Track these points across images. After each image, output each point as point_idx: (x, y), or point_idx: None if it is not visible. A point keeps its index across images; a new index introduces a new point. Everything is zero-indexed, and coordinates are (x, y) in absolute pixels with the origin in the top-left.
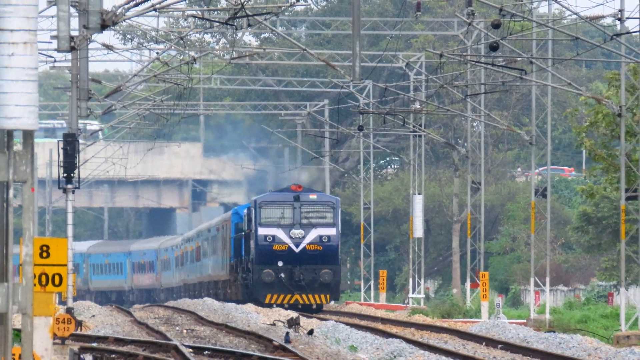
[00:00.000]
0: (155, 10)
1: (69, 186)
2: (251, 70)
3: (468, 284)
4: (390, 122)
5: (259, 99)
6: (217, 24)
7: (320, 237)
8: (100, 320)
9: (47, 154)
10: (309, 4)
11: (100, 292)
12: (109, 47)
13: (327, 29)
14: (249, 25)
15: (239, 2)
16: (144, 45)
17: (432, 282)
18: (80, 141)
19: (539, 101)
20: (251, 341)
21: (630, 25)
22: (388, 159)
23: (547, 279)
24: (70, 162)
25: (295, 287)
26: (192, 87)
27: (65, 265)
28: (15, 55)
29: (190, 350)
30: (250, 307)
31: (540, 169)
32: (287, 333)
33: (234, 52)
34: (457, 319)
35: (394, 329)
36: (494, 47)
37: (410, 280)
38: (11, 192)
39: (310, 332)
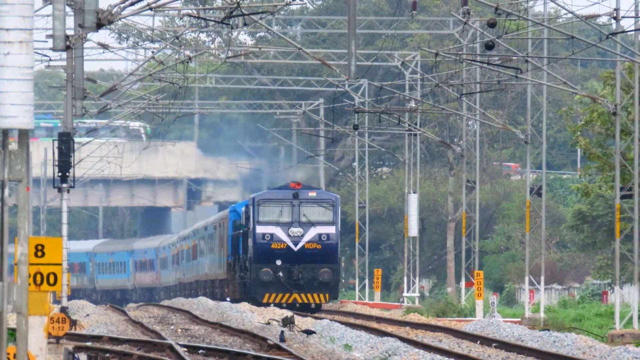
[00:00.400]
0: (150, 9)
1: (64, 185)
2: (246, 69)
3: (463, 283)
4: (385, 121)
5: (254, 98)
6: (213, 23)
7: (320, 235)
8: (95, 320)
9: (42, 153)
10: (305, 3)
11: (105, 291)
12: (104, 46)
13: (322, 28)
14: (245, 24)
15: (234, 1)
16: (140, 44)
17: (426, 280)
18: (76, 139)
19: (534, 100)
20: (246, 340)
21: (626, 24)
22: (384, 157)
23: (542, 278)
24: (65, 161)
25: (293, 286)
26: (187, 86)
27: (60, 264)
28: (10, 54)
29: (185, 349)
30: (245, 306)
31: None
32: (282, 332)
33: (229, 51)
34: (452, 318)
35: (388, 328)
36: (489, 46)
37: (405, 279)
38: (6, 191)
39: (309, 332)
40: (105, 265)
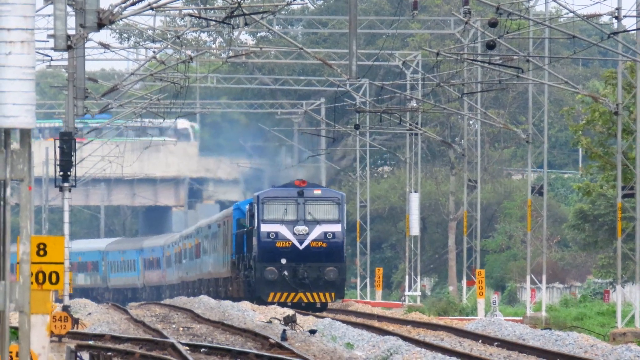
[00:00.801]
0: (151, 9)
1: (66, 184)
2: (248, 69)
3: (464, 282)
4: (386, 121)
5: (255, 97)
6: (214, 22)
7: (325, 233)
8: (97, 318)
9: (44, 153)
10: (306, 3)
11: (117, 290)
12: (105, 46)
13: (323, 28)
14: (246, 24)
15: (235, 0)
16: (141, 44)
17: (428, 279)
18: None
19: (535, 99)
20: (247, 339)
21: (627, 23)
22: (385, 157)
23: (544, 277)
24: (66, 160)
25: (299, 285)
26: (188, 85)
27: (62, 263)
28: (12, 54)
29: (187, 348)
30: (246, 304)
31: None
32: (284, 330)
33: (230, 51)
34: (454, 317)
35: (390, 327)
36: (490, 46)
37: (407, 277)
38: (8, 190)
39: (312, 332)
40: (116, 263)
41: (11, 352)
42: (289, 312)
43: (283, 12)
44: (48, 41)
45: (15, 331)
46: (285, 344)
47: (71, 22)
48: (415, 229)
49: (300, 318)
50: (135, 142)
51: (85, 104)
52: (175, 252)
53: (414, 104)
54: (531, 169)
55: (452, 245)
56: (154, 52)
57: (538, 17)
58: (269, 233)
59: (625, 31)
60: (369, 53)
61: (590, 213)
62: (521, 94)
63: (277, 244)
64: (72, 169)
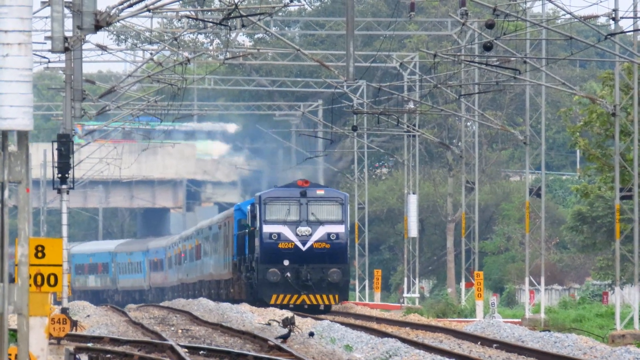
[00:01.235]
0: (149, 10)
1: (64, 187)
2: (245, 71)
3: (463, 284)
4: (384, 122)
5: (252, 99)
6: (211, 24)
7: (329, 234)
8: (96, 321)
9: (41, 155)
10: (303, 5)
11: (125, 292)
12: (102, 48)
13: (320, 29)
14: (243, 26)
15: (232, 2)
16: (138, 45)
17: (426, 281)
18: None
19: (532, 101)
20: (246, 341)
21: (624, 24)
22: (383, 158)
23: (542, 278)
24: (64, 162)
25: (302, 287)
26: (186, 87)
27: (61, 265)
28: (9, 56)
29: (186, 350)
30: (245, 306)
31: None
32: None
33: (227, 53)
34: (452, 319)
35: (389, 329)
36: (487, 47)
37: (405, 279)
38: (6, 192)
39: (311, 334)
40: (124, 265)
41: (10, 355)
42: (288, 314)
43: (280, 14)
44: (45, 43)
45: (14, 333)
46: (284, 345)
47: (68, 24)
48: (413, 230)
49: (298, 320)
50: (133, 145)
51: (83, 105)
52: (175, 254)
53: (411, 105)
54: (529, 170)
55: (451, 247)
56: (151, 53)
57: (535, 18)
58: (271, 234)
59: (622, 32)
60: (366, 54)
61: (588, 215)
62: (518, 95)
63: (280, 245)
64: (70, 171)
